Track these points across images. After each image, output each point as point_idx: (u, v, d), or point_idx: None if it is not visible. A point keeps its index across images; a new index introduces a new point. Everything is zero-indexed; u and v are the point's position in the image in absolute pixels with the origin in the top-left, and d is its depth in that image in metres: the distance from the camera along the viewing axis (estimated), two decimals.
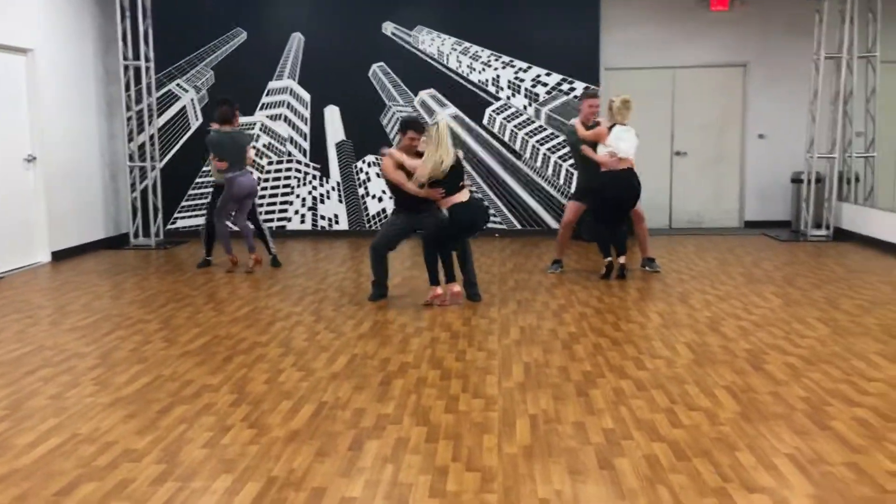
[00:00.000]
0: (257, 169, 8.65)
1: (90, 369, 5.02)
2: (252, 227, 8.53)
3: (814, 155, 10.47)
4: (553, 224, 11.04)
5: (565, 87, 10.85)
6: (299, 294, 7.31)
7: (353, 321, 6.25)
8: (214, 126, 8.32)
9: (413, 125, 6.93)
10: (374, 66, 10.93)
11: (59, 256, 9.32)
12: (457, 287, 6.84)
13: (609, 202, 7.68)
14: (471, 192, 6.91)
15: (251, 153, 8.48)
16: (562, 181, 10.98)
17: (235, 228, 8.48)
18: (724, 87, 11.50)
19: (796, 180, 10.97)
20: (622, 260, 7.80)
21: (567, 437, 3.81)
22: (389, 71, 10.90)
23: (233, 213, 8.40)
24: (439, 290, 6.78)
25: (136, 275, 8.45)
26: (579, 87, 10.76)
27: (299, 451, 3.69)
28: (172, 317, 6.44)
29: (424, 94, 10.91)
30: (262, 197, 11.02)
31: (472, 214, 6.82)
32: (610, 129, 7.63)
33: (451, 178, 6.60)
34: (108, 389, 4.61)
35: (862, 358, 5.02)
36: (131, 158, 10.58)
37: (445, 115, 10.25)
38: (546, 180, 10.99)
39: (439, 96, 10.95)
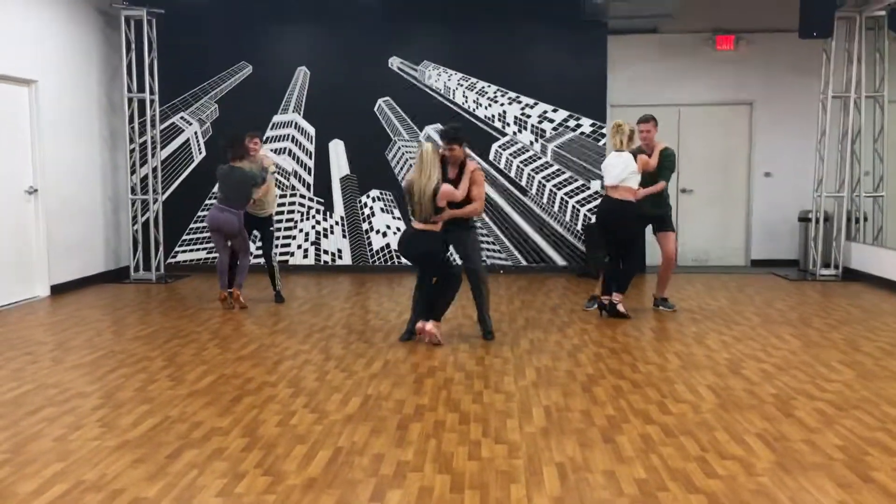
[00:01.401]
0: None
1: (94, 409, 4.83)
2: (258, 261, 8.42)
3: (822, 194, 10.40)
4: (560, 261, 10.93)
5: (572, 123, 10.80)
6: (306, 331, 7.13)
7: (363, 360, 6.08)
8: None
9: (443, 135, 6.76)
10: (380, 101, 10.87)
11: (58, 290, 9.14)
12: (428, 325, 6.57)
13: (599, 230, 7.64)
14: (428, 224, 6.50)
15: (268, 166, 8.36)
16: (568, 217, 10.88)
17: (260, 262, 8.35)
18: (730, 125, 11.47)
19: (804, 219, 10.89)
20: (610, 298, 7.67)
21: (599, 487, 3.63)
22: (395, 106, 10.84)
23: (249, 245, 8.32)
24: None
25: (138, 310, 8.27)
26: (585, 123, 10.71)
27: (319, 500, 3.51)
28: (177, 354, 6.26)
29: (430, 129, 10.83)
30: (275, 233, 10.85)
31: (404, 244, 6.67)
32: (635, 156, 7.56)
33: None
34: (115, 432, 4.42)
35: (893, 404, 4.87)
36: (133, 191, 10.45)
37: (430, 140, 10.11)
38: (552, 217, 10.89)
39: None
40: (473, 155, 6.64)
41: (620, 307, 7.63)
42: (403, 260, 6.94)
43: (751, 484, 3.64)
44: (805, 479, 3.70)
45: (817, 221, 10.46)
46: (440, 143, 6.74)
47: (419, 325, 6.59)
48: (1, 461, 3.98)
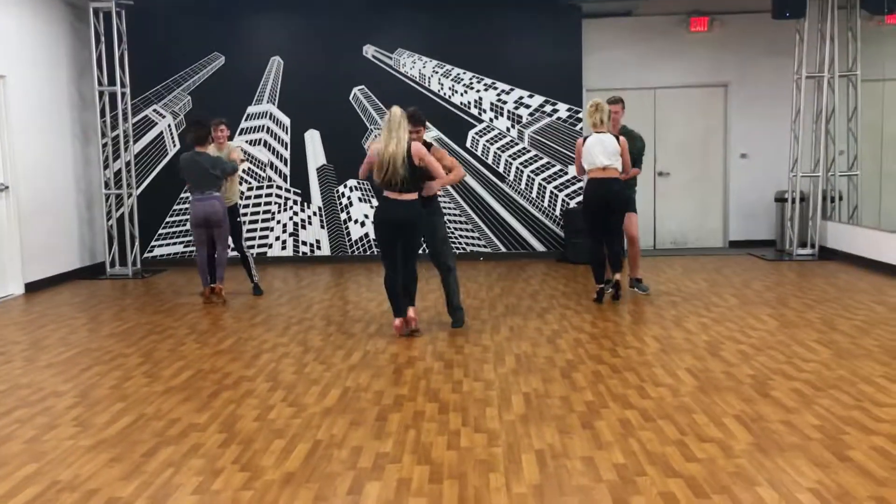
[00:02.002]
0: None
1: (69, 409, 4.77)
2: (233, 255, 8.32)
3: (797, 174, 10.45)
4: (539, 247, 10.92)
5: (548, 108, 10.77)
6: (284, 324, 7.08)
7: (342, 351, 6.04)
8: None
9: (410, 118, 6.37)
10: (355, 90, 10.79)
11: (32, 288, 9.02)
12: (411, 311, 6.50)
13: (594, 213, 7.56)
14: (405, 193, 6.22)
15: (236, 160, 8.15)
16: (546, 203, 10.87)
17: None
18: (706, 107, 11.49)
19: (780, 199, 10.95)
20: (617, 276, 7.61)
21: (577, 473, 3.63)
22: (371, 94, 10.76)
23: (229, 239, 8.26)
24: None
25: (113, 306, 8.18)
26: (562, 108, 10.69)
27: (296, 495, 3.48)
28: (154, 350, 6.20)
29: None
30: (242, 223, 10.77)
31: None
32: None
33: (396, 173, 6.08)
34: (89, 431, 4.36)
35: (869, 382, 4.90)
36: (107, 185, 10.32)
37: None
38: (531, 202, 10.88)
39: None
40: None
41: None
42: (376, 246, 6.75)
43: (729, 466, 3.65)
44: (783, 459, 3.71)
45: (793, 201, 10.52)
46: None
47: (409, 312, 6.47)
48: None
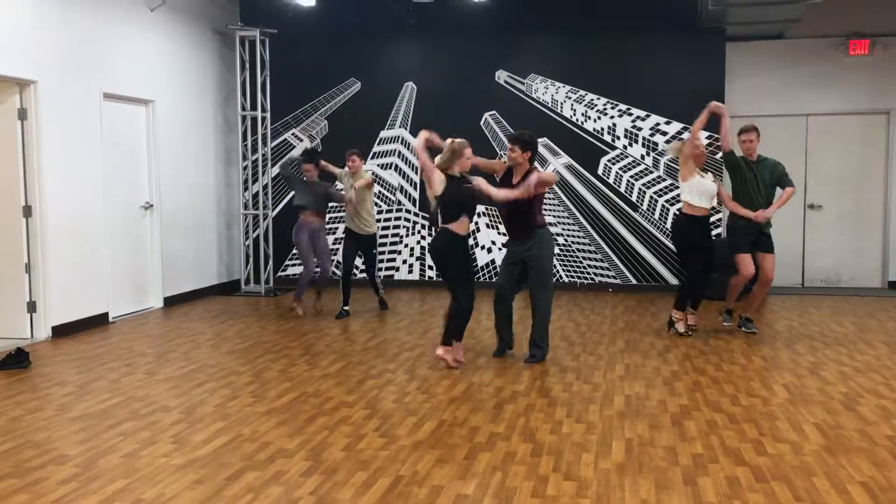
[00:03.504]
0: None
1: (172, 424, 4.88)
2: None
3: None
4: (672, 280, 10.41)
5: (686, 135, 10.26)
6: (396, 349, 7.04)
7: (447, 381, 5.91)
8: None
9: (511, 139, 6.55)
10: (487, 115, 10.73)
11: (171, 302, 9.48)
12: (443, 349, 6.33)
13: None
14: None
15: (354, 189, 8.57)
16: None
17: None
18: (865, 135, 10.62)
19: None
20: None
21: None
22: (501, 119, 10.66)
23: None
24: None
25: (240, 322, 8.44)
26: (701, 136, 10.13)
27: None
28: (265, 369, 6.30)
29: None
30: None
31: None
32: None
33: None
34: (184, 449, 4.44)
35: None
36: (245, 206, 10.74)
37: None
38: (664, 233, 10.39)
39: (552, 145, 10.61)
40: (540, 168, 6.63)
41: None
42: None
43: None
44: None
45: None
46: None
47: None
48: (70, 475, 4.05)
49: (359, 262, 9.30)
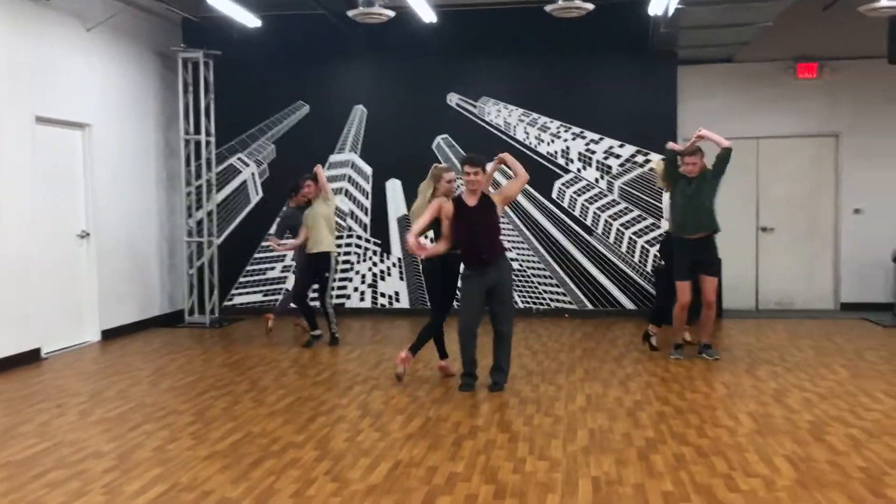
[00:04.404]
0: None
1: (104, 473, 4.49)
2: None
3: None
4: (629, 304, 10.28)
5: (640, 158, 10.21)
6: (348, 382, 6.73)
7: (402, 417, 5.62)
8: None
9: (466, 160, 6.45)
10: (439, 139, 10.53)
11: (110, 335, 9.01)
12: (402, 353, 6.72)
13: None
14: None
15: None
16: (637, 258, 10.25)
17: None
18: (815, 158, 10.68)
19: None
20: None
21: None
22: (454, 143, 10.47)
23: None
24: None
25: (182, 356, 8.02)
26: (655, 158, 10.09)
27: None
28: (208, 408, 5.92)
29: (489, 167, 10.39)
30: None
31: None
32: None
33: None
34: (116, 501, 4.06)
35: None
36: (189, 234, 10.33)
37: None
38: (620, 258, 10.28)
39: (506, 169, 10.38)
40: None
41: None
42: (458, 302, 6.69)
43: None
44: None
45: None
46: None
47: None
48: None
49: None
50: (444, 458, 4.68)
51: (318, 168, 8.48)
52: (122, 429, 5.40)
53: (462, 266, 6.47)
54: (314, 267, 8.35)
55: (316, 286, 8.57)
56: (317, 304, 8.65)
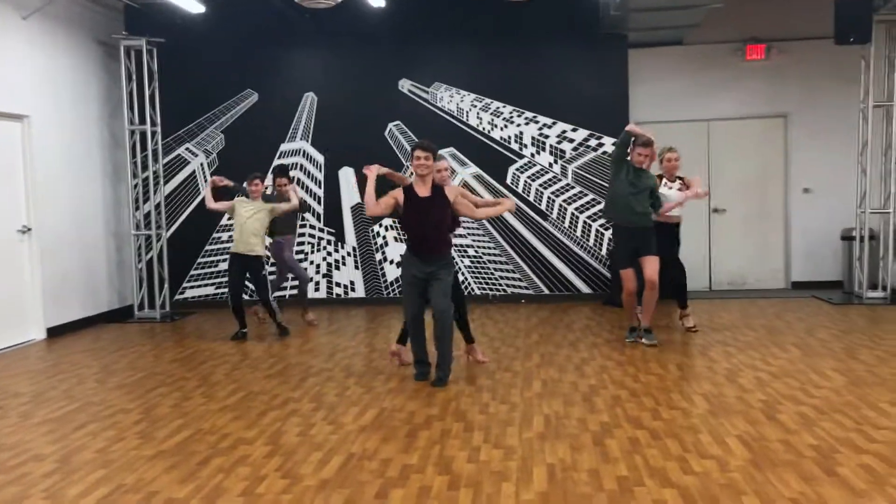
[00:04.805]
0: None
1: (44, 477, 4.33)
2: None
3: (866, 210, 9.66)
4: (584, 288, 10.30)
5: (593, 142, 10.21)
6: (301, 375, 6.61)
7: (356, 409, 5.53)
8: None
9: (418, 146, 6.14)
10: (391, 125, 10.40)
11: (56, 332, 8.76)
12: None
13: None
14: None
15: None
16: (592, 242, 10.26)
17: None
18: (764, 139, 10.79)
19: (847, 237, 10.15)
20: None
21: None
22: (406, 130, 10.35)
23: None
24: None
25: (131, 352, 7.82)
26: (607, 142, 10.12)
27: None
28: (156, 406, 5.77)
29: (444, 153, 10.33)
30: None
31: None
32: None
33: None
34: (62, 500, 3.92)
35: None
36: (137, 227, 10.07)
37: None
38: (575, 242, 10.28)
39: (460, 155, 10.36)
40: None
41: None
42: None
43: None
44: None
45: (862, 240, 9.72)
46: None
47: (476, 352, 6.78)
48: None
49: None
50: (397, 450, 4.61)
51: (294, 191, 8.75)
52: (65, 429, 5.23)
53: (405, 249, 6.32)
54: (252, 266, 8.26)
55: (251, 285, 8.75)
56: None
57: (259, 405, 5.70)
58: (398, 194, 6.12)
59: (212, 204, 8.30)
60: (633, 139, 7.23)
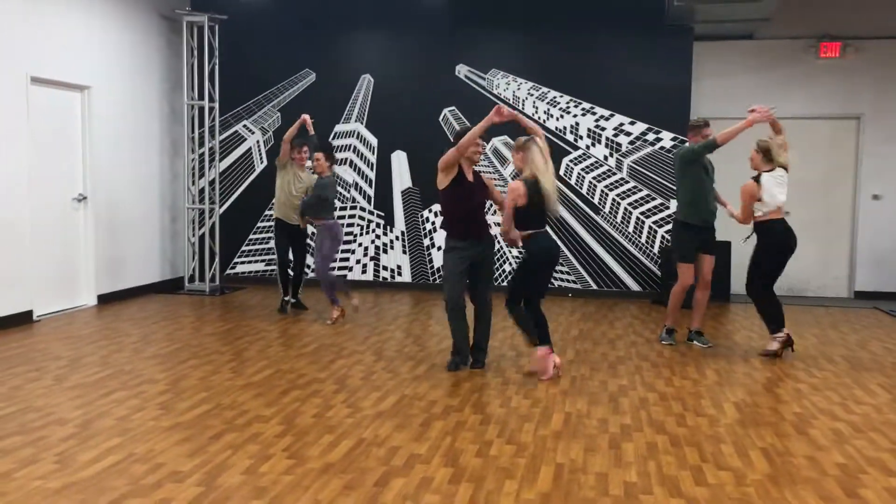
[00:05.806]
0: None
1: (61, 441, 4.43)
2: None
3: None
4: (634, 286, 10.07)
5: (651, 137, 9.94)
6: (332, 356, 6.62)
7: (377, 394, 5.50)
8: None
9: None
10: (446, 111, 10.32)
11: (107, 299, 9.00)
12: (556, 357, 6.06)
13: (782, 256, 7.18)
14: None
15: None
16: (644, 239, 10.01)
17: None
18: (834, 141, 10.32)
19: None
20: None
21: None
22: (461, 116, 10.26)
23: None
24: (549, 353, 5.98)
25: (174, 323, 7.98)
26: (666, 137, 9.83)
27: None
28: (184, 377, 5.86)
29: (497, 141, 10.21)
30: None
31: (549, 241, 6.15)
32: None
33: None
34: (66, 470, 3.99)
35: None
36: (192, 201, 10.26)
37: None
38: (627, 238, 10.05)
39: (513, 143, 10.18)
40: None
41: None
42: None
43: None
44: None
45: None
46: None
47: (554, 358, 6.00)
48: None
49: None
50: (408, 439, 4.56)
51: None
52: (92, 395, 5.34)
53: (446, 239, 6.25)
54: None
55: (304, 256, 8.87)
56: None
57: (283, 384, 5.72)
58: (489, 180, 6.40)
59: (287, 141, 8.42)
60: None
